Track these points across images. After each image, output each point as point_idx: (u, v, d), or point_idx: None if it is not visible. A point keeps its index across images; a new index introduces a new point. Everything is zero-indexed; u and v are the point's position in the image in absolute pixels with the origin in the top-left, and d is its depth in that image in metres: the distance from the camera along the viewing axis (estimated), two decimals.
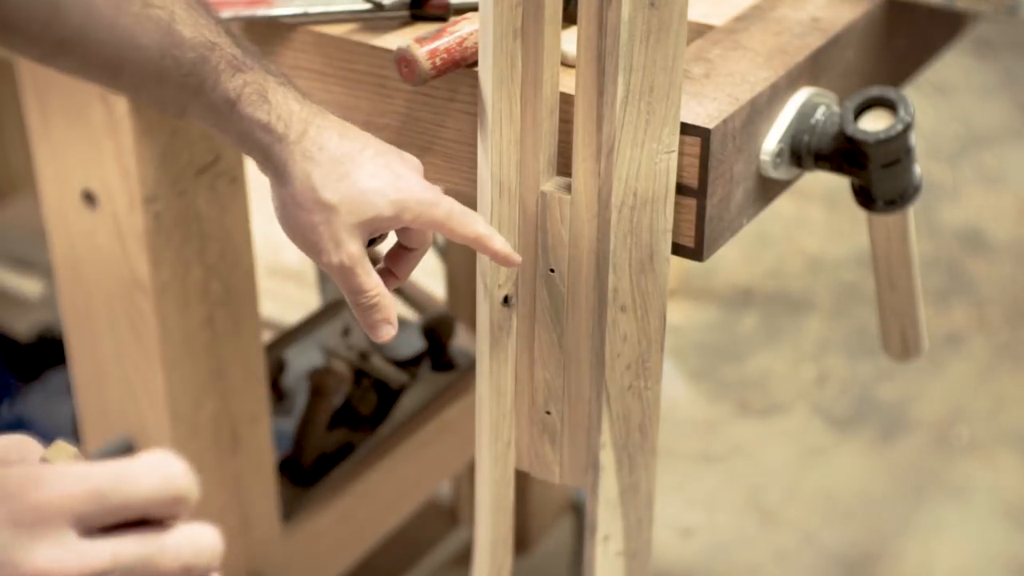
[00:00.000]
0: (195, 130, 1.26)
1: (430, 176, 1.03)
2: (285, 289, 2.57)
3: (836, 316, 2.70)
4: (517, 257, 0.95)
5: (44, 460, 0.66)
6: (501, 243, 0.94)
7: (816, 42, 1.04)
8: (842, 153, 0.99)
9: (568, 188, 0.95)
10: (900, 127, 0.98)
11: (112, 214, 1.27)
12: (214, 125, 0.92)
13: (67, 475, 0.64)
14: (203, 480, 1.47)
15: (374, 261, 0.96)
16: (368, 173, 0.90)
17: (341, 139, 0.90)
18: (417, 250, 0.98)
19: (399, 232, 0.96)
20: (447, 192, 0.96)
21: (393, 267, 0.98)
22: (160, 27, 0.88)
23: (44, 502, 0.62)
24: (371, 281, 0.93)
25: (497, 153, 0.94)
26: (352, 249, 0.91)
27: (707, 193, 0.93)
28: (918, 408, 2.45)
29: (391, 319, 0.94)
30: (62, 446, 0.67)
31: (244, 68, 0.90)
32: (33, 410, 1.84)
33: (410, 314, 1.88)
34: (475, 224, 0.93)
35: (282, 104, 0.89)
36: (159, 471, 0.67)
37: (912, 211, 1.09)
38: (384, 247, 0.99)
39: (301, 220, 0.92)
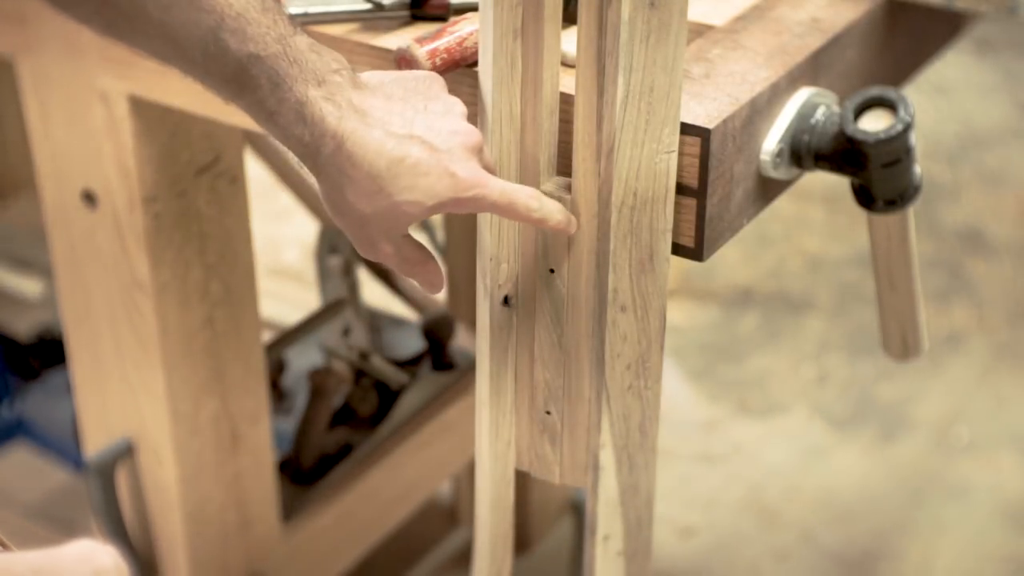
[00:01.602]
0: (195, 130, 1.26)
1: None
2: (285, 289, 2.57)
3: (836, 316, 2.70)
4: (571, 225, 0.95)
5: None
6: (555, 221, 0.94)
7: (816, 42, 1.04)
8: (842, 153, 0.99)
9: (568, 188, 0.95)
10: (900, 127, 0.98)
11: (112, 214, 1.27)
12: (255, 123, 0.94)
13: None
14: (203, 480, 1.48)
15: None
16: (405, 185, 0.90)
17: (378, 156, 0.90)
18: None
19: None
20: None
21: None
22: (206, 34, 0.88)
23: None
24: (407, 266, 0.96)
25: (497, 153, 0.94)
26: (383, 251, 0.94)
27: (707, 193, 0.93)
28: (918, 408, 2.45)
29: (435, 284, 0.98)
30: None
31: (283, 85, 0.89)
32: (33, 410, 1.84)
33: (410, 314, 1.88)
34: (518, 210, 0.93)
35: (318, 122, 0.90)
36: (88, 563, 0.62)
37: (912, 211, 1.09)
38: None
39: (337, 217, 0.94)
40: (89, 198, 1.28)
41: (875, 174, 1.01)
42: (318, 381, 1.58)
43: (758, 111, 0.97)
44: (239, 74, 0.89)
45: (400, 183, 0.90)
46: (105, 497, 1.38)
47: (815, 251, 2.91)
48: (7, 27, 1.27)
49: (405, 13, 1.04)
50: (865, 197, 1.05)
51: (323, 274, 1.83)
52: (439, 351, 1.73)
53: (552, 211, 0.93)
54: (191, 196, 1.28)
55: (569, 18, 0.93)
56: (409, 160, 0.90)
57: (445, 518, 2.01)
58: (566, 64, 0.94)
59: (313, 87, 0.90)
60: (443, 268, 1.87)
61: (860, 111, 1.00)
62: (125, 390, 1.35)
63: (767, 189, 1.02)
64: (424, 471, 1.71)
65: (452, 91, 0.99)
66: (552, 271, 0.97)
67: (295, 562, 1.53)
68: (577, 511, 1.93)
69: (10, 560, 0.60)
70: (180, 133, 1.25)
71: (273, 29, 0.90)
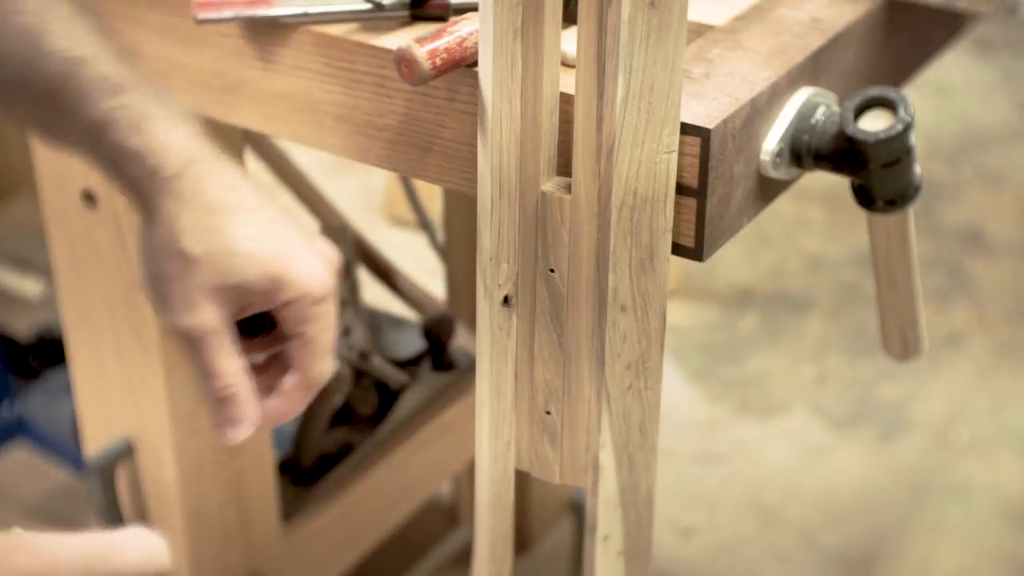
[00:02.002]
0: None
1: (430, 176, 1.04)
2: None
3: (836, 316, 2.70)
4: (243, 431, 0.82)
5: None
6: (296, 408, 0.82)
7: (816, 42, 1.04)
8: (842, 153, 0.99)
9: (568, 188, 0.95)
10: (900, 127, 0.98)
11: (112, 214, 1.27)
12: (87, 151, 0.80)
13: (54, 543, 0.61)
14: (203, 480, 1.47)
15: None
16: (248, 233, 0.77)
17: (228, 191, 0.77)
18: (296, 341, 0.81)
19: (279, 313, 0.81)
20: (447, 191, 0.95)
21: (267, 364, 0.83)
22: (25, 36, 0.78)
23: (34, 569, 0.59)
24: (223, 365, 0.78)
25: (497, 153, 0.94)
26: (205, 316, 0.77)
27: (707, 193, 0.93)
28: (918, 408, 2.45)
29: (241, 420, 0.80)
30: (18, 533, 0.65)
31: (118, 90, 0.78)
32: (33, 410, 1.84)
33: (410, 314, 1.88)
34: (322, 363, 0.80)
35: (160, 135, 0.77)
36: (144, 546, 0.64)
37: (912, 211, 1.09)
38: None
39: (156, 268, 0.78)
40: (89, 198, 1.28)
41: (875, 174, 1.01)
42: None
43: (758, 111, 0.97)
44: (62, 81, 0.77)
45: (247, 229, 0.76)
46: (105, 497, 1.38)
47: (815, 251, 2.91)
48: None
49: (405, 13, 1.04)
50: (865, 197, 1.05)
51: None
52: (439, 351, 1.73)
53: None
54: None
55: (569, 18, 0.93)
56: (264, 213, 0.77)
57: (445, 518, 2.01)
58: (566, 64, 0.94)
59: (158, 106, 0.78)
60: (442, 268, 1.88)
61: (860, 111, 1.00)
62: (125, 390, 1.35)
63: (767, 189, 1.02)
64: (424, 471, 1.71)
65: (452, 91, 0.99)
66: (552, 271, 0.97)
67: (295, 562, 1.53)
68: (577, 511, 1.93)
69: (77, 539, 0.62)
70: None
71: (96, 34, 0.80)
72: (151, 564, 0.64)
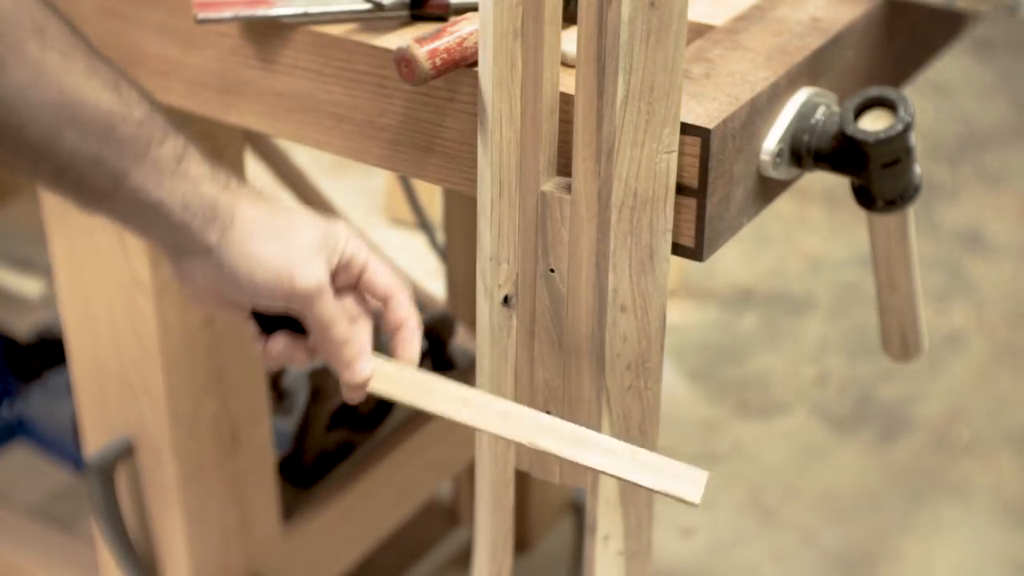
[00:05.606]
0: (195, 130, 1.26)
1: (430, 176, 1.04)
2: None
3: (836, 316, 2.70)
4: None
5: None
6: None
7: (816, 42, 1.04)
8: (842, 153, 0.99)
9: (568, 188, 0.95)
10: (900, 127, 0.98)
11: None
12: (153, 191, 0.91)
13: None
14: (203, 480, 1.47)
15: None
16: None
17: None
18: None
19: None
20: (447, 191, 0.96)
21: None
22: (108, 82, 0.86)
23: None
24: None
25: (497, 153, 0.94)
26: (319, 274, 0.97)
27: (707, 193, 0.93)
28: (918, 408, 2.45)
29: (355, 374, 1.03)
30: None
31: (153, 140, 0.91)
32: (33, 410, 1.84)
33: None
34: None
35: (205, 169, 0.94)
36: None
37: (912, 211, 1.09)
38: None
39: (255, 266, 0.96)
40: None
41: (875, 174, 1.01)
42: (318, 381, 1.58)
43: (758, 111, 0.97)
44: (144, 124, 0.89)
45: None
46: (105, 497, 1.38)
47: (815, 251, 2.91)
48: None
49: (405, 13, 1.04)
50: (865, 197, 1.05)
51: None
52: (439, 351, 1.73)
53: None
54: None
55: (569, 18, 0.93)
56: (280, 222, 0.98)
57: (445, 518, 2.01)
58: (566, 64, 0.94)
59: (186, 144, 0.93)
60: (442, 268, 1.88)
61: (860, 111, 1.00)
62: (125, 390, 1.35)
63: (767, 189, 1.02)
64: (424, 471, 1.71)
65: (452, 91, 0.99)
66: (552, 271, 0.97)
67: (295, 562, 1.53)
68: (577, 511, 1.93)
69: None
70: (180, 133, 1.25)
71: (128, 89, 0.90)
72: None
